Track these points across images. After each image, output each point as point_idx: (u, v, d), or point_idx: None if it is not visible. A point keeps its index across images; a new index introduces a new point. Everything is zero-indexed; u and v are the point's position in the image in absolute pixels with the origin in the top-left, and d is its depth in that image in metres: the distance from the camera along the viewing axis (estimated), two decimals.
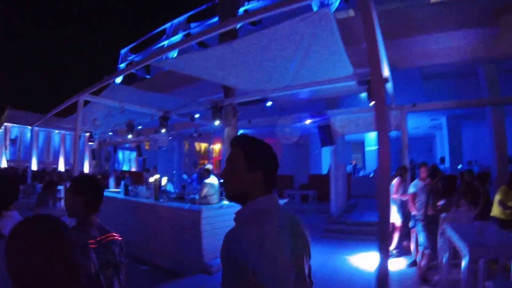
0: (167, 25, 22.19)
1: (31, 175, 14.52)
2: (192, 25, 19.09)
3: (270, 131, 15.30)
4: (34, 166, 24.83)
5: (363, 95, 11.09)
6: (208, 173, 8.19)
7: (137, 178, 15.21)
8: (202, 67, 6.90)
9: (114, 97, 9.04)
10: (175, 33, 18.86)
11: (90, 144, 16.51)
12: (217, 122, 9.46)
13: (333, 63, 6.26)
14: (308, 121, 11.43)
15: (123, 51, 24.89)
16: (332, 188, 11.96)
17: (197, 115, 11.29)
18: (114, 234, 2.34)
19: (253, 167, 1.49)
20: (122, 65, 22.61)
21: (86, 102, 9.24)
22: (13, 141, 25.29)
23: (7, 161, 25.06)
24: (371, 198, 16.83)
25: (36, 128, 14.02)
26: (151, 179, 9.18)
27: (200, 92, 13.77)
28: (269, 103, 9.98)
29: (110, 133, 15.68)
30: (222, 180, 8.94)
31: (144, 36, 23.10)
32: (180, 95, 12.73)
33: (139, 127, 13.02)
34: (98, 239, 2.19)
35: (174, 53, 8.74)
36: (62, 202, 11.01)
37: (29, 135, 25.23)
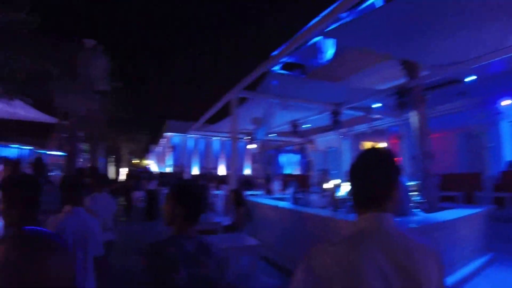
0: (316, 19, 20.75)
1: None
2: (343, 15, 17.11)
3: (452, 119, 12.60)
4: (196, 171, 26.58)
5: None
6: None
7: (302, 182, 14.16)
8: (377, 36, 5.23)
9: (273, 91, 7.81)
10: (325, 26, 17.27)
11: (251, 148, 15.99)
12: (402, 111, 7.49)
13: None
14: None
15: (274, 53, 24.38)
16: None
17: (377, 105, 9.39)
18: (212, 248, 2.12)
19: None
20: (276, 68, 21.95)
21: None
22: (172, 148, 27.26)
23: (170, 166, 27.30)
24: None
25: (195, 136, 14.17)
26: (327, 185, 7.60)
27: (370, 82, 11.86)
28: (470, 78, 7.61)
29: (273, 135, 14.80)
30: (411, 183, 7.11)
31: (294, 35, 22.10)
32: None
33: (307, 125, 11.62)
34: (191, 253, 2.03)
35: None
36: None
37: (189, 142, 27.17)
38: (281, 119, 9.90)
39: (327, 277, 1.19)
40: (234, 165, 7.56)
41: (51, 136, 12.22)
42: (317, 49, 6.97)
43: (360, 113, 9.32)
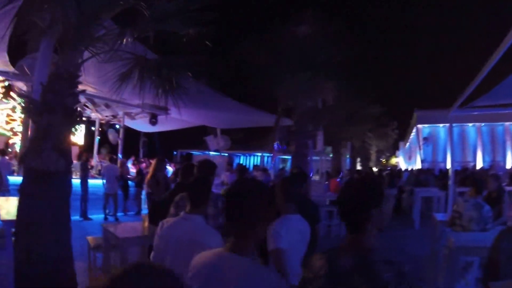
0: None
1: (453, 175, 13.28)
2: None
3: None
4: (448, 165, 24.49)
5: None
6: None
7: None
8: None
9: None
10: None
11: None
12: None
13: None
14: None
15: None
16: None
17: None
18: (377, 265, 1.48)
19: None
20: None
21: None
22: (426, 139, 25.65)
23: (422, 161, 25.59)
24: None
25: (448, 124, 12.70)
26: None
27: None
28: None
29: None
30: None
31: None
32: None
33: None
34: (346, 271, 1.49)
35: None
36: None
37: (441, 134, 25.12)
38: None
39: None
40: None
41: (269, 137, 11.57)
42: None
43: None
